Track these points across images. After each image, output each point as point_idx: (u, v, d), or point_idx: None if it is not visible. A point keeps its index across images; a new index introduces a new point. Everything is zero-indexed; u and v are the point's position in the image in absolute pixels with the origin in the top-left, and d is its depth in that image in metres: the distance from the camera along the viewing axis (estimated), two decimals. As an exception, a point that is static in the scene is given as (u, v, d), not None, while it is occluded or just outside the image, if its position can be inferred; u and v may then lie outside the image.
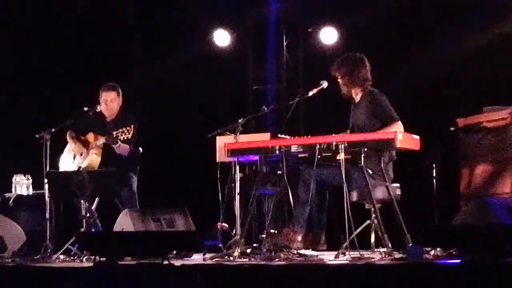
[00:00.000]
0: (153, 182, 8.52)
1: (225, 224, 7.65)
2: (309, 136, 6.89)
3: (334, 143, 6.60)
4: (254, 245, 7.03)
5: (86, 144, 8.00)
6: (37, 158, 7.59)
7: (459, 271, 5.23)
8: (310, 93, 7.28)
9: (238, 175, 7.26)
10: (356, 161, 6.64)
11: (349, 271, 5.61)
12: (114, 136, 7.62)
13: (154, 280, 5.70)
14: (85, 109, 7.99)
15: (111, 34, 9.92)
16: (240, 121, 7.31)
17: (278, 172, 6.99)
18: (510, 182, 7.21)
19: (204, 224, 7.66)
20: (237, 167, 7.24)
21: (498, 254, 5.41)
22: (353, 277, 5.45)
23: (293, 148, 6.80)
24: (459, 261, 5.51)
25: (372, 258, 6.27)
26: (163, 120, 9.55)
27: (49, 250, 7.33)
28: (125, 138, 7.62)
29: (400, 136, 6.51)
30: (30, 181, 8.49)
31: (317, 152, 6.64)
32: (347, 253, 6.38)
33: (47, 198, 7.56)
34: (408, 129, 6.84)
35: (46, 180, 7.56)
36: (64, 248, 7.33)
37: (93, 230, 7.56)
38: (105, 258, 6.10)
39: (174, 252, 6.79)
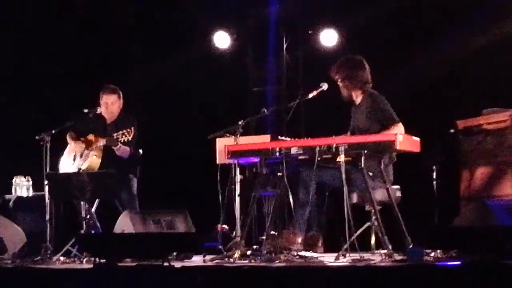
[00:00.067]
0: (153, 184, 8.52)
1: (225, 226, 7.66)
2: (309, 138, 6.89)
3: (334, 145, 6.59)
4: (254, 247, 7.03)
5: (86, 146, 8.00)
6: (37, 159, 7.60)
7: (459, 273, 5.23)
8: (310, 95, 7.28)
9: (238, 177, 7.28)
10: (356, 163, 6.62)
11: (349, 273, 5.61)
12: (115, 138, 7.62)
13: (154, 281, 5.71)
14: (85, 110, 7.98)
15: (111, 34, 9.91)
16: (240, 122, 7.31)
17: (278, 174, 6.98)
18: (510, 184, 7.21)
19: (204, 225, 7.68)
20: (237, 169, 7.26)
21: (498, 255, 5.41)
22: (353, 279, 5.45)
23: (293, 150, 6.79)
24: (459, 262, 5.51)
25: (373, 260, 6.26)
26: (164, 121, 9.55)
27: (49, 252, 7.33)
28: (126, 140, 7.61)
29: (400, 138, 6.50)
30: (30, 182, 8.48)
31: (317, 154, 6.63)
32: (347, 255, 6.37)
33: (47, 200, 7.57)
34: (408, 130, 6.83)
35: (46, 182, 7.57)
36: (64, 249, 7.33)
37: (93, 231, 7.57)
38: (105, 260, 6.11)
39: (174, 253, 6.78)
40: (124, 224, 7.30)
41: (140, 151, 8.10)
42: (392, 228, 6.62)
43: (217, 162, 7.58)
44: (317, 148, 6.65)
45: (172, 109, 9.74)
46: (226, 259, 6.67)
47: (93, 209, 7.80)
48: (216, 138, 7.59)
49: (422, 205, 7.39)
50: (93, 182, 7.32)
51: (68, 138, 8.15)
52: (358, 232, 6.54)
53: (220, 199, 7.40)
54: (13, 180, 8.49)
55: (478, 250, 5.60)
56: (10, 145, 9.48)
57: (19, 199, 8.41)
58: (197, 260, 7.08)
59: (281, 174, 6.90)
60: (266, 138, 7.52)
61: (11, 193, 8.47)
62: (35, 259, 7.17)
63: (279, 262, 6.34)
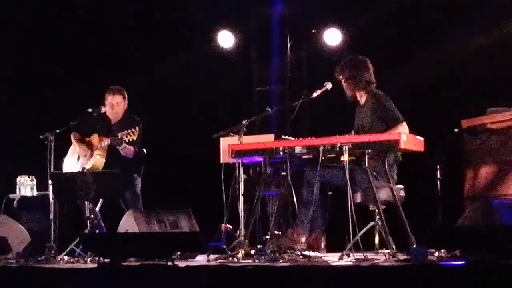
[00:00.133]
0: (157, 183, 8.52)
1: (229, 225, 7.66)
2: (313, 137, 6.88)
3: (338, 145, 6.60)
4: (258, 246, 7.03)
5: (90, 146, 8.01)
6: (41, 159, 7.60)
7: (463, 272, 5.24)
8: (314, 94, 7.27)
9: (242, 176, 7.28)
10: (360, 162, 6.62)
11: (353, 273, 5.62)
12: (119, 137, 7.62)
13: (158, 281, 5.71)
14: (89, 110, 7.99)
15: (111, 34, 9.91)
16: (244, 122, 7.32)
17: (282, 173, 6.98)
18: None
19: (208, 225, 7.67)
20: (241, 168, 7.26)
21: (503, 255, 5.41)
22: (357, 278, 5.45)
23: (297, 150, 6.79)
24: (463, 262, 5.51)
25: (376, 259, 6.27)
26: (168, 121, 9.55)
27: (53, 251, 7.33)
28: (130, 140, 7.61)
29: (404, 137, 6.50)
30: (34, 182, 8.49)
31: (321, 154, 6.64)
32: (351, 254, 6.38)
33: (51, 199, 7.57)
34: (411, 130, 6.83)
35: (50, 181, 7.57)
36: (68, 249, 7.36)
37: (97, 231, 7.57)
38: (109, 259, 6.12)
39: (178, 253, 6.78)
40: (128, 223, 7.30)
41: (144, 150, 8.11)
42: (396, 228, 6.62)
43: (221, 161, 7.59)
44: (321, 148, 6.65)
45: (176, 108, 9.73)
46: (230, 258, 6.68)
47: (97, 209, 7.81)
48: (220, 137, 7.60)
49: (426, 205, 7.40)
50: (97, 181, 7.33)
51: (72, 138, 8.16)
52: (362, 231, 6.54)
53: (224, 198, 7.40)
54: (17, 179, 8.50)
55: (482, 250, 5.59)
56: (14, 145, 9.48)
57: (23, 198, 8.42)
58: (201, 259, 7.09)
59: (285, 173, 6.90)
60: (270, 137, 7.52)
61: (15, 193, 8.47)
62: (39, 258, 7.17)
63: (283, 261, 6.34)
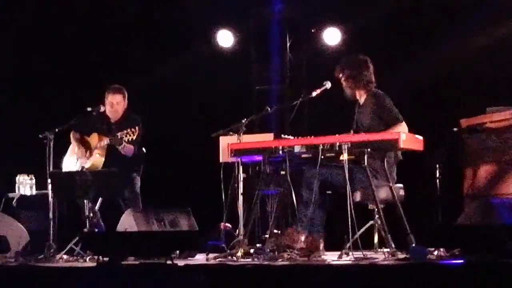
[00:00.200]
0: (156, 182, 8.52)
1: (228, 224, 7.66)
2: (313, 136, 6.89)
3: (338, 144, 6.60)
4: (257, 245, 7.05)
5: (89, 145, 8.00)
6: (40, 158, 7.59)
7: (462, 272, 5.24)
8: (314, 94, 7.27)
9: (241, 175, 7.28)
10: (359, 161, 6.63)
11: (352, 272, 5.61)
12: (119, 137, 7.62)
13: (157, 280, 5.71)
14: (89, 109, 7.98)
15: (111, 34, 9.91)
16: (243, 121, 7.32)
17: (282, 172, 6.99)
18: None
19: (207, 224, 7.68)
20: (241, 167, 7.26)
21: (502, 254, 5.42)
22: (356, 277, 5.45)
23: (297, 149, 6.80)
24: (462, 261, 5.52)
25: (376, 258, 6.27)
26: (167, 121, 9.55)
27: (52, 250, 7.32)
28: (130, 139, 7.61)
29: (404, 136, 6.50)
30: (34, 181, 8.47)
31: (320, 153, 6.64)
32: (350, 253, 6.38)
33: (50, 198, 7.56)
34: (411, 129, 6.83)
35: (49, 180, 7.56)
36: (68, 248, 7.35)
37: (96, 230, 7.57)
38: (108, 258, 6.12)
39: (177, 252, 6.79)
40: (127, 222, 7.30)
41: (144, 149, 8.11)
42: (395, 227, 6.62)
43: (220, 160, 7.59)
44: (321, 147, 6.66)
45: (176, 108, 9.74)
46: (229, 257, 6.69)
47: (96, 208, 7.80)
48: (219, 136, 7.60)
49: (426, 204, 7.41)
50: (97, 180, 7.33)
51: (71, 138, 8.15)
52: (361, 230, 6.55)
53: (223, 197, 7.40)
54: (17, 178, 8.49)
55: (481, 249, 5.60)
56: (14, 144, 9.48)
57: (22, 197, 8.41)
58: (200, 258, 7.10)
59: (284, 172, 6.91)
60: (270, 136, 7.53)
61: (14, 192, 8.47)
62: (38, 257, 7.17)
63: (282, 260, 6.35)
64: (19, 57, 9.90)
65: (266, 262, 6.30)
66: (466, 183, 7.54)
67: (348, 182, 6.50)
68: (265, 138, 7.41)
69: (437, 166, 7.16)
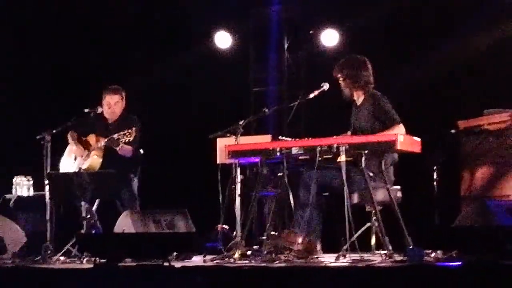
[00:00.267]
0: (153, 184, 8.51)
1: (226, 226, 7.66)
2: (310, 138, 6.88)
3: (335, 145, 6.59)
4: (255, 247, 7.02)
5: (87, 146, 8.00)
6: (37, 159, 7.59)
7: (459, 273, 5.23)
8: (311, 95, 7.27)
9: (238, 177, 7.27)
10: (357, 163, 6.62)
11: (350, 274, 5.61)
12: (116, 138, 7.61)
13: (154, 281, 5.71)
14: (86, 110, 7.98)
15: (111, 34, 9.90)
16: (241, 122, 7.30)
17: (279, 174, 6.99)
18: (511, 185, 7.21)
19: (205, 225, 7.67)
20: (238, 169, 7.25)
21: (499, 255, 5.41)
22: (353, 279, 5.44)
23: (294, 150, 6.79)
24: (459, 263, 5.51)
25: (373, 260, 6.26)
26: (164, 121, 9.55)
27: (49, 252, 7.32)
28: (127, 140, 7.60)
29: (401, 138, 6.50)
30: (31, 182, 8.49)
31: (318, 154, 6.63)
32: (347, 255, 6.36)
33: (47, 200, 7.55)
34: (408, 130, 6.82)
35: (46, 182, 7.56)
36: (65, 249, 7.33)
37: (93, 231, 7.56)
38: (105, 260, 6.12)
39: (175, 253, 6.78)
40: (125, 224, 7.30)
41: (141, 150, 8.10)
42: (392, 229, 6.61)
43: (218, 162, 7.58)
44: (318, 148, 6.65)
45: (173, 109, 9.74)
46: (227, 259, 6.68)
47: (93, 209, 7.79)
48: (216, 138, 7.59)
49: (423, 206, 7.40)
50: (94, 182, 7.32)
51: (69, 138, 8.15)
52: (359, 232, 6.53)
53: (220, 199, 7.39)
54: (14, 179, 8.50)
55: (478, 251, 5.59)
56: (11, 145, 9.48)
57: (20, 198, 8.42)
58: (197, 260, 7.08)
59: (281, 174, 6.91)
60: (267, 138, 7.52)
61: (11, 193, 8.47)
62: (35, 259, 7.17)
63: (280, 262, 6.34)
64: (19, 57, 9.89)
65: (263, 264, 6.29)
66: (463, 185, 7.53)
67: (345, 184, 6.49)
68: (263, 140, 7.40)
69: (435, 167, 7.15)
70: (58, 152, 8.05)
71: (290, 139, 7.16)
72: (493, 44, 8.56)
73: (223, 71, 9.64)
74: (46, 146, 7.57)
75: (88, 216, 7.49)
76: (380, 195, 6.72)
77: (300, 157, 6.82)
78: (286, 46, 9.83)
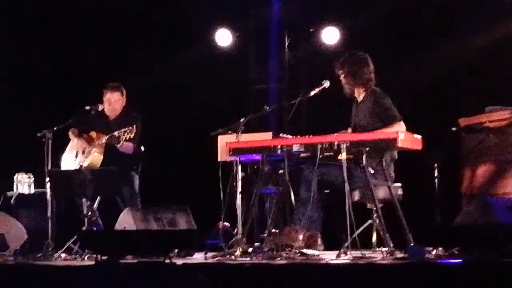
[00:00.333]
0: (155, 181, 8.52)
1: (227, 223, 7.66)
2: (311, 135, 6.89)
3: (336, 143, 6.60)
4: (256, 244, 7.02)
5: (89, 141, 8.01)
6: (39, 156, 7.60)
7: (460, 271, 5.23)
8: (312, 93, 7.27)
9: (239, 174, 7.27)
10: (358, 160, 6.63)
11: (351, 271, 5.60)
12: (116, 135, 7.62)
13: (155, 278, 5.70)
14: (87, 108, 7.99)
15: (111, 34, 9.90)
16: (242, 120, 7.30)
17: (280, 171, 7.00)
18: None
19: (206, 223, 7.67)
20: (239, 166, 7.25)
21: (500, 253, 5.42)
22: (354, 276, 5.44)
23: (295, 148, 6.80)
24: (460, 260, 5.52)
25: (374, 257, 6.27)
26: (166, 119, 9.55)
27: (50, 249, 7.32)
28: (127, 137, 7.60)
29: (402, 135, 6.51)
30: (32, 179, 8.48)
31: (318, 152, 6.64)
32: (348, 252, 6.37)
33: (48, 197, 7.56)
34: (409, 128, 6.83)
35: (47, 179, 7.56)
36: (66, 246, 7.34)
37: (94, 228, 7.57)
38: (106, 257, 6.13)
39: (176, 251, 6.79)
40: (126, 221, 7.29)
41: (142, 148, 8.11)
42: (393, 226, 6.62)
43: (219, 159, 7.58)
44: (319, 146, 6.66)
45: (174, 107, 9.73)
46: (228, 256, 6.68)
47: (94, 206, 7.80)
48: (218, 135, 7.59)
49: (424, 203, 7.40)
50: (95, 179, 7.33)
51: (70, 134, 8.16)
52: (360, 229, 6.54)
53: (221, 196, 7.40)
54: (15, 176, 8.50)
55: (479, 248, 5.60)
56: (12, 142, 9.48)
57: (21, 195, 8.42)
58: (198, 257, 7.09)
59: (282, 171, 6.92)
60: (268, 135, 7.52)
61: (12, 190, 8.47)
62: (37, 256, 7.17)
63: (281, 259, 6.34)
64: (19, 57, 9.89)
65: (264, 261, 6.30)
66: (464, 182, 7.54)
67: (346, 181, 6.49)
68: (264, 137, 7.40)
69: (436, 165, 7.16)
70: (59, 150, 8.06)
71: (291, 136, 7.17)
72: (493, 44, 8.56)
73: (224, 69, 9.63)
74: (47, 143, 7.58)
75: (89, 213, 7.50)
76: (381, 192, 6.74)
77: (301, 155, 6.83)
78: (287, 44, 9.83)
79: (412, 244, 6.36)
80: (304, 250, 6.57)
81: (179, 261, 6.09)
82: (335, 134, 6.86)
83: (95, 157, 7.83)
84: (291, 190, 6.93)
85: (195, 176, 9.19)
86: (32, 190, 8.46)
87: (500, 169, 7.28)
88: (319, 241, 6.82)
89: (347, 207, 6.41)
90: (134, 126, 7.61)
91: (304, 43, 9.79)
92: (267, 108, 7.49)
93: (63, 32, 9.90)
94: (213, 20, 9.84)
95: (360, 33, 9.15)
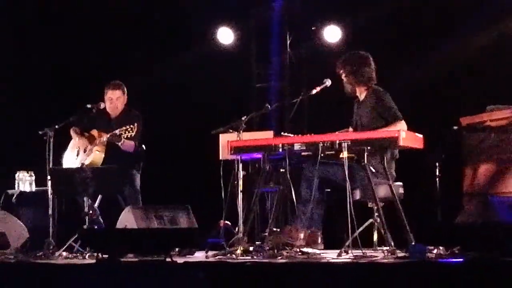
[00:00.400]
0: (156, 180, 8.52)
1: (228, 222, 7.66)
2: (312, 134, 6.89)
3: (337, 142, 6.59)
4: (257, 243, 7.03)
5: (91, 139, 8.01)
6: (40, 155, 7.59)
7: (461, 270, 5.23)
8: (314, 91, 7.27)
9: (241, 173, 7.26)
10: (359, 159, 6.63)
11: (352, 270, 5.60)
12: (118, 133, 7.62)
13: (156, 277, 5.71)
14: (88, 106, 8.00)
15: (111, 34, 9.91)
16: (243, 118, 7.29)
17: (281, 170, 7.00)
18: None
19: (207, 221, 7.67)
20: (240, 165, 7.24)
21: (501, 252, 5.41)
22: (355, 275, 5.44)
23: (296, 146, 6.80)
24: (461, 259, 5.51)
25: (375, 256, 6.27)
26: (167, 118, 9.54)
27: (51, 247, 7.31)
28: (129, 135, 7.61)
29: (403, 134, 6.51)
30: (33, 177, 8.47)
31: (320, 150, 6.64)
32: (349, 251, 6.37)
33: (50, 195, 7.56)
34: (411, 127, 6.84)
35: (49, 177, 7.57)
36: (67, 245, 7.32)
37: (95, 227, 7.57)
38: (107, 255, 6.12)
39: (177, 249, 6.79)
40: (127, 219, 7.30)
41: (144, 146, 8.11)
42: (394, 225, 6.62)
43: (220, 158, 7.59)
44: (320, 144, 6.66)
45: (175, 106, 9.73)
46: (229, 255, 6.68)
47: (96, 205, 7.80)
48: (219, 134, 7.59)
49: (425, 202, 7.40)
50: (96, 177, 7.33)
51: (72, 133, 8.17)
52: (361, 228, 6.54)
53: (222, 195, 7.40)
54: (16, 175, 8.49)
55: (480, 247, 5.59)
56: (13, 140, 9.48)
57: (22, 194, 8.41)
58: (199, 256, 7.09)
59: (284, 170, 6.92)
60: (269, 134, 7.53)
61: (14, 188, 8.47)
62: (38, 254, 7.17)
63: (282, 258, 6.34)
64: (19, 57, 9.89)
65: (265, 260, 6.30)
66: (465, 181, 7.52)
67: (348, 180, 6.49)
68: (265, 136, 7.41)
69: (437, 164, 7.15)
70: (60, 148, 8.06)
71: (292, 135, 7.17)
72: (493, 43, 8.56)
73: (225, 67, 9.63)
74: (49, 141, 7.58)
75: (90, 211, 7.49)
76: (382, 191, 6.73)
77: (303, 153, 6.83)
78: (288, 42, 9.83)
79: (413, 243, 6.35)
80: (305, 249, 6.58)
81: (180, 260, 6.10)
82: (337, 132, 6.86)
83: (97, 155, 7.83)
84: (292, 188, 6.93)
85: (196, 175, 9.20)
86: (34, 188, 8.45)
87: (501, 168, 7.27)
88: (319, 239, 6.81)
89: (348, 206, 6.40)
90: (136, 124, 7.62)
91: (306, 41, 9.78)
92: (269, 106, 7.49)
93: (63, 32, 9.90)
94: (214, 19, 9.84)
95: (362, 31, 9.15)
